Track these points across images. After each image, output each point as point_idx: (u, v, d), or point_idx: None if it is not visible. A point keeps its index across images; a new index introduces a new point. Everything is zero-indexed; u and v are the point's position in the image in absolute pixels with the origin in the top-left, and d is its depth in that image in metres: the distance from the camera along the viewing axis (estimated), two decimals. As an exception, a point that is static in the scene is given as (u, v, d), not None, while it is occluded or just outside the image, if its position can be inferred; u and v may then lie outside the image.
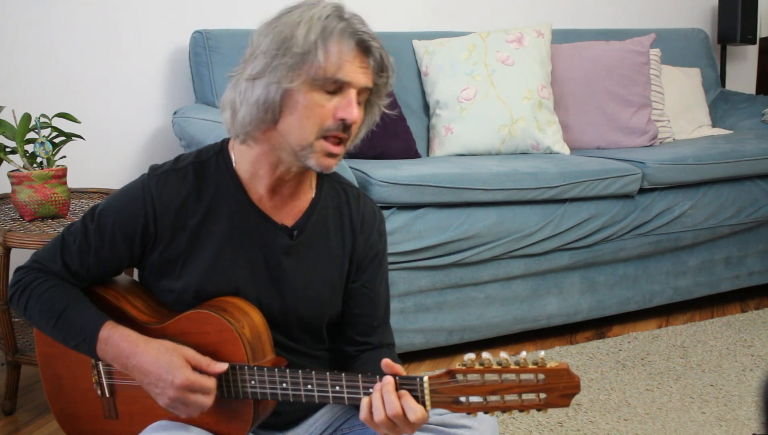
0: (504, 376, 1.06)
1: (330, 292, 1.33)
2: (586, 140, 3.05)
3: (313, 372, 1.17)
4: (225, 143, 1.30)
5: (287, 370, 1.18)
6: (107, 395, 1.33)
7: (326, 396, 1.17)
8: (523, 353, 1.06)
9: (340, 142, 1.20)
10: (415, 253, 2.32)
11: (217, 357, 1.22)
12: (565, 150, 2.90)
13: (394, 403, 1.09)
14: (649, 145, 3.03)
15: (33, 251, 1.91)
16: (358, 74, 1.17)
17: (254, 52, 1.18)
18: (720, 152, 2.80)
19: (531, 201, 2.48)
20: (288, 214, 1.29)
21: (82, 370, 1.34)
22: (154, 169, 1.28)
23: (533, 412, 1.81)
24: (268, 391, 1.19)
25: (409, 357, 2.45)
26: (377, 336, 1.38)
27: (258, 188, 1.27)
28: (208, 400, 1.19)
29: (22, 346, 2.13)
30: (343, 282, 1.34)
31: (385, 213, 2.28)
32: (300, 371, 1.17)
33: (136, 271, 1.41)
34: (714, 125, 3.50)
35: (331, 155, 1.19)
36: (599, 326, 2.77)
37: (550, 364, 1.05)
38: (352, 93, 1.17)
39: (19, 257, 2.19)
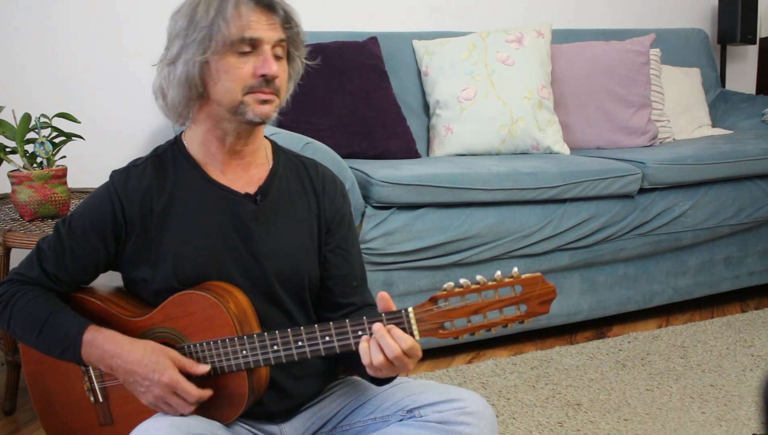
0: (483, 293, 1.13)
1: (303, 252, 1.37)
2: (586, 140, 3.05)
3: (302, 328, 1.22)
4: (179, 135, 1.38)
5: (277, 332, 1.22)
6: (101, 400, 1.34)
7: (317, 349, 1.21)
8: (498, 272, 1.13)
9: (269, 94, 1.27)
10: (415, 253, 2.32)
11: (207, 334, 1.25)
12: (565, 150, 2.90)
13: (391, 345, 1.16)
14: (649, 145, 3.03)
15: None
16: (266, 30, 1.25)
17: (170, 38, 1.28)
18: (720, 152, 2.80)
19: (531, 201, 2.48)
20: (249, 184, 1.35)
21: (72, 381, 1.35)
22: (114, 171, 1.34)
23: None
24: (260, 357, 1.23)
25: (409, 357, 2.45)
26: (359, 296, 1.43)
27: (214, 165, 1.33)
28: (187, 407, 1.23)
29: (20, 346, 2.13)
30: (315, 244, 1.38)
31: (385, 213, 2.28)
32: (289, 330, 1.22)
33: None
34: (714, 125, 3.50)
35: (264, 102, 1.26)
36: (599, 326, 2.77)
37: (525, 276, 1.12)
38: (266, 49, 1.25)
39: (19, 257, 2.19)
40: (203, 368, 1.24)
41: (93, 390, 1.33)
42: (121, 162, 3.09)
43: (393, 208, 2.31)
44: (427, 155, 2.95)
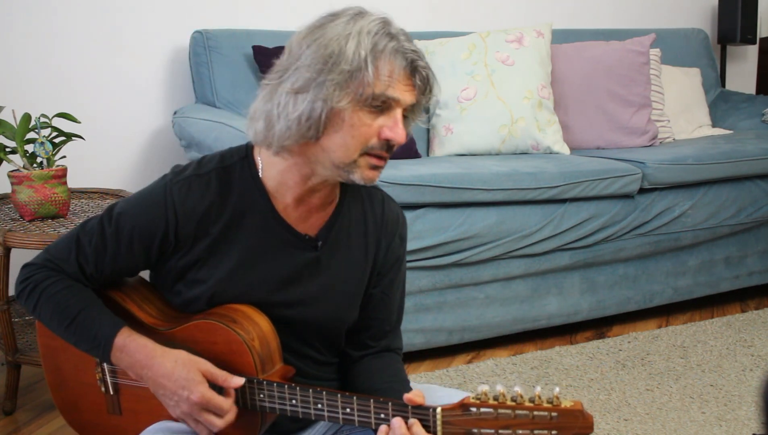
0: (517, 411, 1.05)
1: (349, 301, 1.31)
2: (586, 140, 3.05)
3: (324, 392, 1.15)
4: (250, 149, 1.25)
5: (298, 388, 1.17)
6: (111, 393, 1.33)
7: (336, 416, 1.16)
8: (538, 389, 1.06)
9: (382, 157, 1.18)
10: (415, 253, 2.32)
11: (225, 368, 1.20)
12: (565, 150, 2.90)
13: None
14: (649, 145, 3.03)
15: (32, 251, 1.92)
16: (405, 93, 1.14)
17: (294, 62, 1.13)
18: (720, 152, 2.80)
19: (531, 201, 2.48)
20: (312, 225, 1.26)
21: (85, 365, 1.33)
22: (176, 173, 1.23)
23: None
24: (277, 406, 1.18)
25: (409, 357, 2.45)
26: (387, 340, 1.37)
27: (284, 198, 1.23)
28: (219, 422, 1.17)
29: (22, 346, 2.13)
30: (363, 289, 1.32)
31: (385, 213, 2.28)
32: (311, 390, 1.16)
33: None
34: (714, 125, 3.50)
35: (375, 168, 1.17)
36: (599, 326, 2.77)
37: (565, 404, 1.05)
38: (398, 113, 1.14)
39: (19, 257, 2.19)
40: (237, 381, 1.17)
41: (104, 382, 1.32)
42: (121, 162, 3.08)
43: (393, 208, 2.31)
44: (427, 155, 2.95)
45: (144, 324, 1.26)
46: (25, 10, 2.67)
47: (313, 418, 1.17)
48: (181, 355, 1.19)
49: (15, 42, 2.67)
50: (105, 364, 1.31)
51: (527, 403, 1.05)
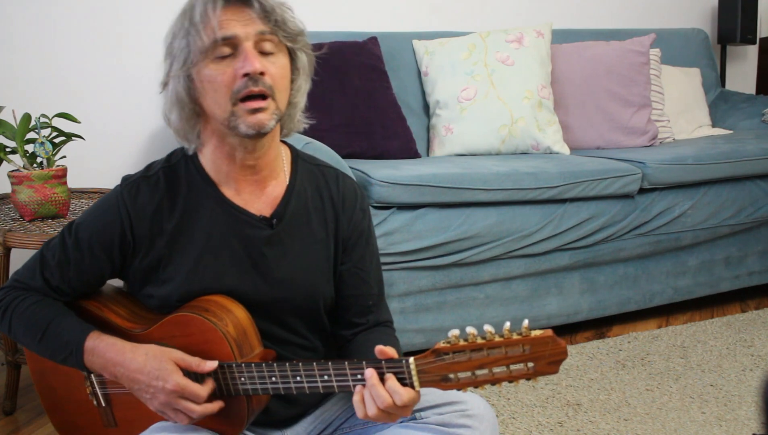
0: (490, 350, 1.06)
1: (318, 276, 1.32)
2: (586, 140, 3.05)
3: (300, 363, 1.17)
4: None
5: (275, 364, 1.18)
6: (103, 405, 1.33)
7: (316, 386, 1.17)
8: (507, 324, 1.07)
9: (262, 97, 1.19)
10: (415, 253, 2.32)
11: (204, 357, 1.22)
12: (565, 150, 2.90)
13: (383, 396, 1.10)
14: (649, 145, 3.03)
15: (32, 251, 1.92)
16: (240, 26, 1.17)
17: (164, 60, 1.24)
18: (720, 152, 2.80)
19: (531, 201, 2.48)
20: (265, 204, 1.29)
21: (75, 382, 1.34)
22: (126, 179, 1.30)
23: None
24: (258, 386, 1.19)
25: (409, 357, 2.45)
26: (374, 315, 1.39)
27: (228, 183, 1.28)
28: (197, 408, 1.19)
29: (22, 347, 2.13)
30: (331, 265, 1.34)
31: (385, 213, 2.28)
32: (287, 364, 1.17)
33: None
34: (714, 125, 3.50)
35: (254, 111, 1.18)
36: (599, 326, 2.77)
37: (535, 333, 1.06)
38: (247, 46, 1.17)
39: (19, 257, 2.19)
40: (211, 365, 1.19)
41: (95, 395, 1.33)
42: (121, 162, 3.09)
43: (393, 208, 2.31)
44: (427, 155, 2.95)
45: (122, 329, 1.28)
46: (25, 10, 2.67)
47: (294, 392, 1.18)
48: (152, 348, 1.21)
49: (15, 42, 2.67)
50: (93, 376, 1.32)
51: (497, 339, 1.06)
